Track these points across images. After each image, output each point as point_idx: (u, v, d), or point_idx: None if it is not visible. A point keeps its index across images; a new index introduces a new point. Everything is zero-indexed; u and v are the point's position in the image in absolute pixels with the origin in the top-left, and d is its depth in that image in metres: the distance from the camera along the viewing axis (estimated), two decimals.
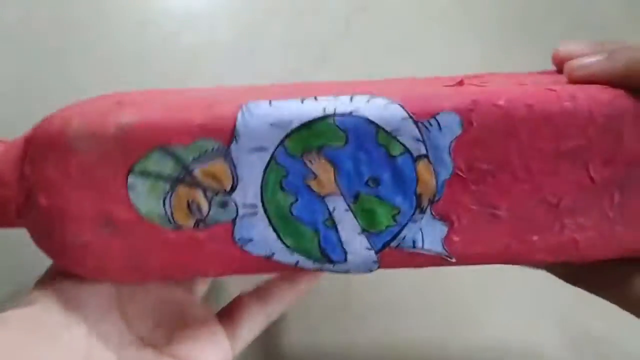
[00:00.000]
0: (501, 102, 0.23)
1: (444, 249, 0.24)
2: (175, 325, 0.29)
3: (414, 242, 0.24)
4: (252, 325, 0.30)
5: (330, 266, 0.25)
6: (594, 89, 0.23)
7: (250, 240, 0.24)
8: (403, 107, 0.23)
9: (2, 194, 0.25)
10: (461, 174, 0.24)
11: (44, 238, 0.25)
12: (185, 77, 0.42)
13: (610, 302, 0.26)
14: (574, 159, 0.23)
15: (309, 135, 0.23)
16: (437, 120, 0.23)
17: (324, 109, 0.23)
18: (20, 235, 0.34)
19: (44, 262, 0.35)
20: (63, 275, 0.27)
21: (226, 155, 0.23)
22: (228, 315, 0.30)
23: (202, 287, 0.31)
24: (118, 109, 0.23)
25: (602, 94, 0.23)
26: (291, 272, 0.26)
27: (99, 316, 0.27)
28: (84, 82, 0.40)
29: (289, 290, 0.31)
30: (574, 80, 0.24)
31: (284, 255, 0.25)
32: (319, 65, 0.43)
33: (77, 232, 0.24)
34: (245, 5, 0.44)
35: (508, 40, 0.45)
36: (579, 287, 0.28)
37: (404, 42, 0.44)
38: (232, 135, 0.23)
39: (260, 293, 0.31)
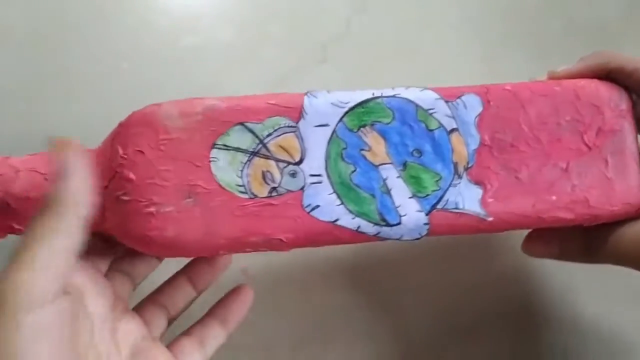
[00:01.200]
0: (508, 87, 0.29)
1: (482, 209, 0.28)
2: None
3: (456, 203, 0.28)
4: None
5: (388, 229, 0.28)
6: (573, 79, 0.31)
7: (318, 206, 0.27)
8: (434, 91, 0.29)
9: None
10: (487, 144, 0.29)
11: (128, 216, 0.27)
12: (185, 77, 0.41)
13: (619, 264, 0.30)
14: (572, 131, 0.29)
15: (363, 113, 0.28)
16: (462, 101, 0.29)
17: (373, 93, 0.28)
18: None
19: None
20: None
21: (295, 130, 0.27)
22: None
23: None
24: (201, 97, 0.28)
25: (581, 81, 0.30)
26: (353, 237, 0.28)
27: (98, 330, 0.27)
28: (84, 82, 0.40)
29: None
30: (557, 78, 0.31)
31: (347, 220, 0.27)
32: (319, 65, 0.43)
33: (163, 203, 0.26)
34: (245, 6, 0.44)
35: (508, 40, 0.45)
36: (593, 261, 0.31)
37: (404, 42, 0.45)
38: (300, 112, 0.28)
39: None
